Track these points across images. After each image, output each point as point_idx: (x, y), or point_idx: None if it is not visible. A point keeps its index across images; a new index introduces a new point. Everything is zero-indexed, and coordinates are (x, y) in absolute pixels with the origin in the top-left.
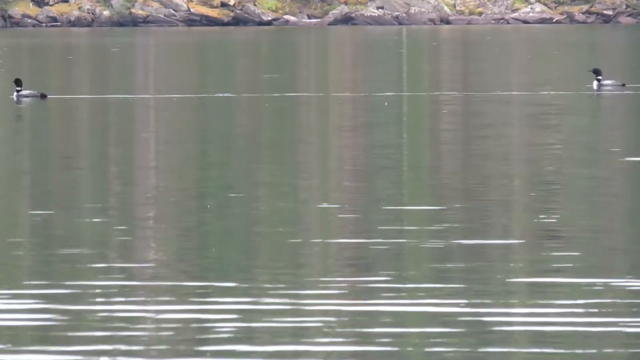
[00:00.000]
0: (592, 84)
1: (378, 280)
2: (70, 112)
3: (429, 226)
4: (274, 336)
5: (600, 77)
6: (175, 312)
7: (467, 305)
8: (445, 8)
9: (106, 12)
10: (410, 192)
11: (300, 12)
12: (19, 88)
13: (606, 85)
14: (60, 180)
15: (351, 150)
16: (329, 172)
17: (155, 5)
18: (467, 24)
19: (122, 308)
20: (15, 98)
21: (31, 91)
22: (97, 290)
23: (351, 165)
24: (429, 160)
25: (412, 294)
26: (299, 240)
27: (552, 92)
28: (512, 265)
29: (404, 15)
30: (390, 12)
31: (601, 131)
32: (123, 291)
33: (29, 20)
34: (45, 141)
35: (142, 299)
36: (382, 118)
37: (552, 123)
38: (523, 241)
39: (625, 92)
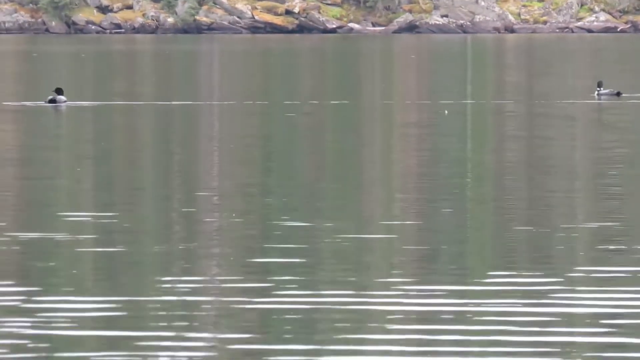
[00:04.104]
0: (594, 93)
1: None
2: (135, 118)
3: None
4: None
5: (599, 88)
6: (238, 309)
7: (525, 304)
8: (510, 16)
9: (170, 19)
10: (471, 198)
11: (364, 20)
12: (58, 97)
13: (603, 94)
14: (122, 192)
15: (409, 160)
16: (388, 184)
17: (220, 12)
18: (532, 32)
19: (186, 303)
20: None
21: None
22: (163, 286)
23: (410, 178)
24: (490, 174)
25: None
26: (361, 245)
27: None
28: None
29: (468, 23)
30: (454, 21)
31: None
32: (188, 289)
33: (92, 27)
34: (107, 146)
35: (207, 298)
36: (441, 127)
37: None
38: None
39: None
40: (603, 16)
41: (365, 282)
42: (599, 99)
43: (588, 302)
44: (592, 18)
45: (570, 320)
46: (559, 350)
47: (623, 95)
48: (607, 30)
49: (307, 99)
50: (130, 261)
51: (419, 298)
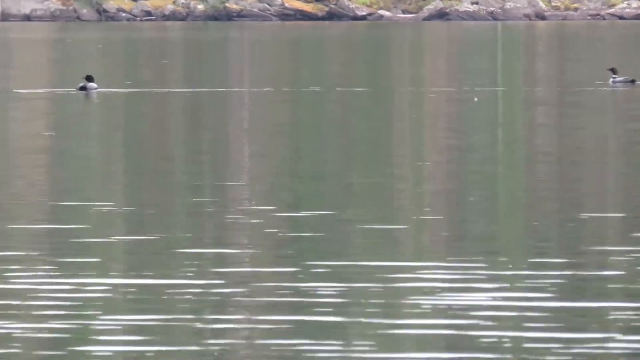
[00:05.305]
0: (609, 81)
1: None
2: (165, 105)
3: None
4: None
5: (615, 75)
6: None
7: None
8: (541, 3)
9: (200, 6)
10: (502, 190)
11: (394, 7)
12: (89, 84)
13: (617, 81)
14: (149, 176)
15: (439, 148)
16: (418, 171)
17: None
18: (563, 19)
19: (214, 291)
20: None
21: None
22: (189, 273)
23: (439, 165)
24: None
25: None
26: (389, 233)
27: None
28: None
29: (498, 10)
30: (485, 8)
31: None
32: (215, 275)
33: (123, 14)
34: (139, 133)
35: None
36: (471, 114)
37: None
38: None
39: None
40: (635, 3)
41: (395, 272)
42: (614, 87)
43: (621, 291)
44: (624, 5)
45: (603, 311)
46: (593, 341)
47: (638, 82)
48: (638, 17)
49: (335, 86)
50: (158, 249)
51: (450, 290)
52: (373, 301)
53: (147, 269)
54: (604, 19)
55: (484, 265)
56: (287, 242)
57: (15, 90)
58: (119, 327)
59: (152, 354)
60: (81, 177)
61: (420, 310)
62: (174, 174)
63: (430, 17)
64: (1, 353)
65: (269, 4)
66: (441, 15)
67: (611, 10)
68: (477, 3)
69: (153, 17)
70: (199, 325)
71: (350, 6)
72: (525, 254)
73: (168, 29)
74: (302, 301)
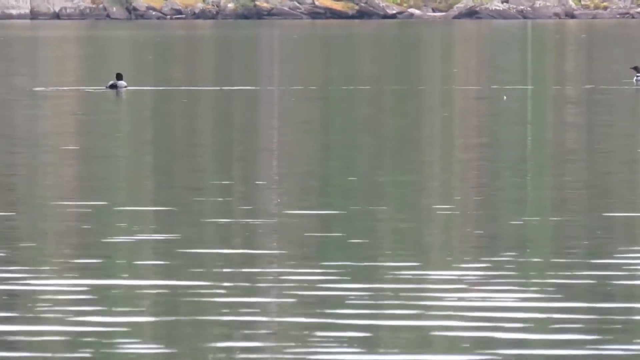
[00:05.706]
0: (632, 79)
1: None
2: (194, 103)
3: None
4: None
5: (638, 74)
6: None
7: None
8: (571, 2)
9: (231, 5)
10: (531, 194)
11: (425, 6)
12: (119, 82)
13: None
14: (179, 176)
15: (469, 145)
16: (447, 170)
17: None
18: (592, 18)
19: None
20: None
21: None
22: (222, 279)
23: (470, 164)
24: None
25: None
26: (419, 235)
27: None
28: None
29: (528, 9)
30: (515, 6)
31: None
32: (246, 277)
33: (153, 13)
34: (168, 131)
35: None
36: (500, 112)
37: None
38: None
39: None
40: None
41: (423, 271)
42: (638, 85)
43: None
44: None
45: (631, 313)
46: (620, 343)
47: None
48: None
49: (365, 85)
50: (185, 248)
51: (478, 290)
52: (401, 301)
53: (174, 268)
54: (633, 17)
55: (513, 264)
56: (315, 241)
57: (34, 89)
58: (145, 327)
59: (177, 353)
60: (109, 176)
61: (448, 310)
62: (202, 172)
63: (460, 16)
64: (28, 351)
65: (299, 3)
66: (471, 13)
67: None
68: (507, 2)
69: (183, 16)
70: (224, 325)
71: (381, 4)
72: (553, 254)
73: (198, 27)
74: (330, 301)
